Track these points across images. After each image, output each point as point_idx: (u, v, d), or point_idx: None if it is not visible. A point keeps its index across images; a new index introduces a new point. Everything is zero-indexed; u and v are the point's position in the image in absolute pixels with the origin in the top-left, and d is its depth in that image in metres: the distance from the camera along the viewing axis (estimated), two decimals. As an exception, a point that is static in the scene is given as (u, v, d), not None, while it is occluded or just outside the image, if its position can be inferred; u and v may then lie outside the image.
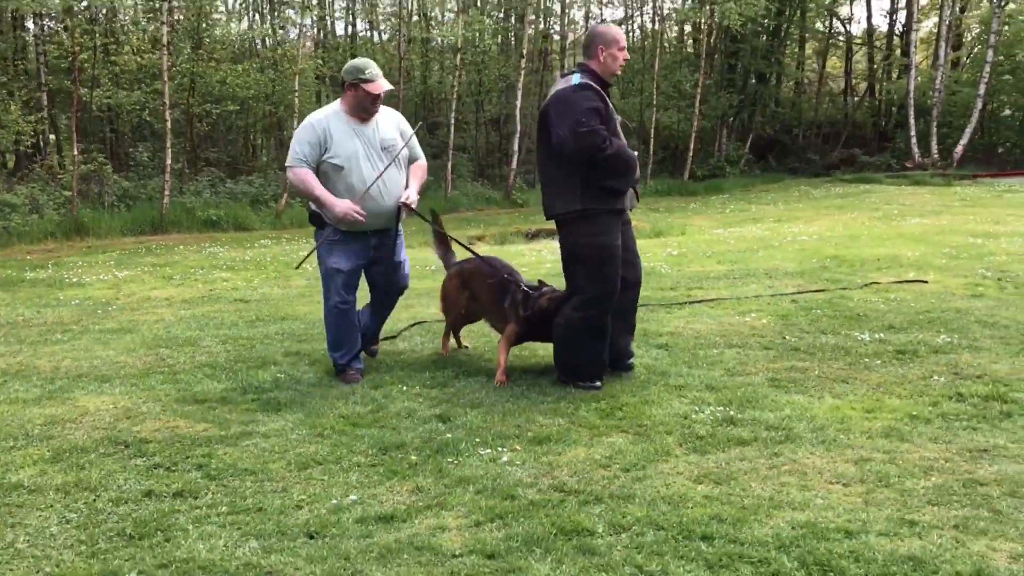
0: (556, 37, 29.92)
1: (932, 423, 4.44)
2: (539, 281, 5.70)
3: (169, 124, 17.33)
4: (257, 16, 27.52)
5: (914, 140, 28.74)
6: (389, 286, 5.79)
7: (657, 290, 8.61)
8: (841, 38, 37.04)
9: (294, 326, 7.23)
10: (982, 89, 28.53)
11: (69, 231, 15.16)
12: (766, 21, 29.02)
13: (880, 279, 8.67)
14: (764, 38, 30.95)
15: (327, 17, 27.73)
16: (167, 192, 16.91)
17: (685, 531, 3.27)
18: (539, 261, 10.96)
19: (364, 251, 5.47)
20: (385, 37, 28.87)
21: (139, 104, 19.14)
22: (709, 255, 10.85)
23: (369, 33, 29.28)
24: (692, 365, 5.67)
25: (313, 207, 5.42)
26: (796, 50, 35.81)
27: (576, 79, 5.16)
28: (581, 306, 5.19)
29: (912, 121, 28.88)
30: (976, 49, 34.18)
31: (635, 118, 28.21)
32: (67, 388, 5.41)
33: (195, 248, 13.82)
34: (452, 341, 6.37)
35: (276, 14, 25.75)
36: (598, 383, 5.24)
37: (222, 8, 25.76)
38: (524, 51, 23.21)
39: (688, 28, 32.42)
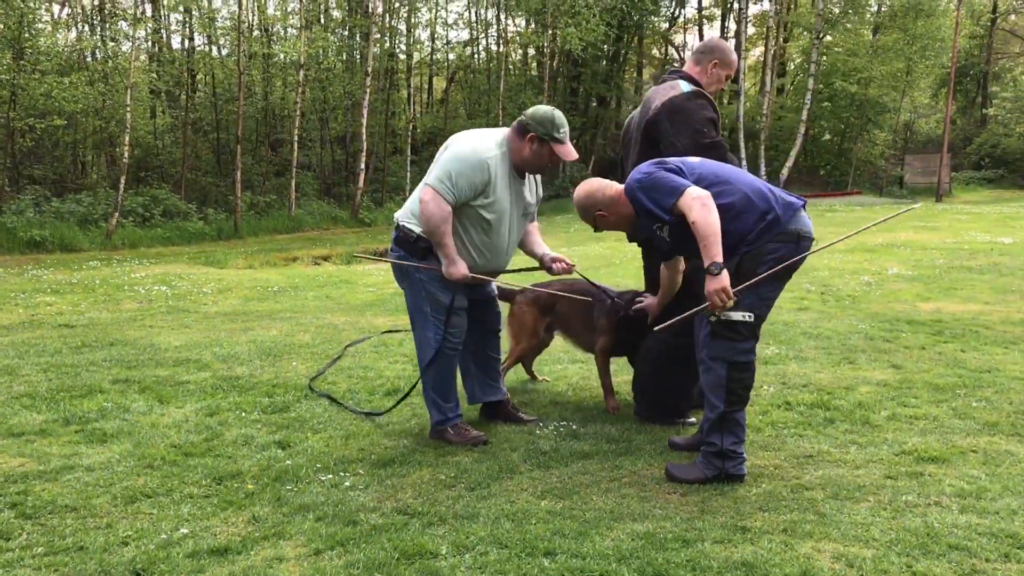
0: (402, 56, 29.89)
1: (763, 431, 4.63)
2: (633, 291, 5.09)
3: (-14, 139, 16.21)
4: (87, 27, 26.19)
5: (744, 162, 30.29)
6: (485, 326, 4.85)
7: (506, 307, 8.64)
8: (676, 64, 38.70)
9: (123, 352, 6.85)
10: (804, 115, 30.43)
11: None
12: (605, 47, 29.99)
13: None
14: (604, 63, 31.97)
15: (162, 30, 26.72)
16: (-16, 211, 15.79)
17: (528, 548, 3.26)
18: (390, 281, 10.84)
19: (470, 288, 4.60)
20: (224, 52, 28.04)
21: (-49, 117, 17.84)
22: (554, 273, 11.01)
23: (208, 47, 28.37)
24: (537, 380, 5.73)
25: (414, 228, 4.45)
26: (635, 75, 37.19)
27: (685, 86, 4.61)
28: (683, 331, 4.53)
29: (742, 144, 30.45)
30: (798, 77, 36.46)
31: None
32: None
33: (16, 271, 12.94)
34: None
35: (108, 26, 24.61)
36: (692, 419, 4.81)
37: (47, 17, 24.33)
38: (369, 69, 23.06)
39: (532, 51, 33.06)
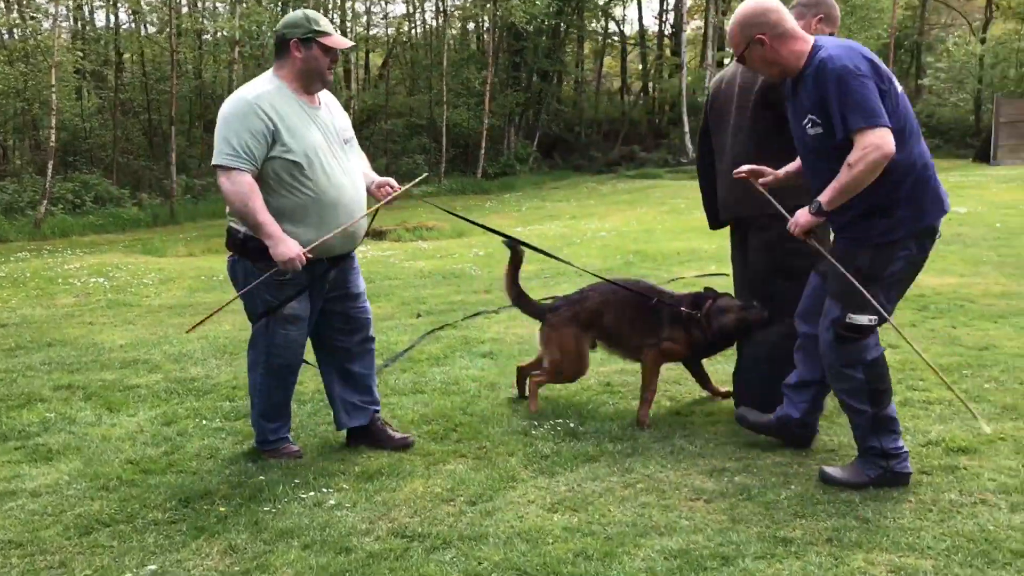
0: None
1: (772, 423, 4.32)
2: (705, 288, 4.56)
3: None
4: (3, 4, 24.84)
5: (688, 136, 30.17)
6: (354, 330, 4.18)
7: (471, 293, 8.27)
8: (616, 38, 38.45)
9: (63, 353, 6.28)
10: (747, 87, 30.30)
11: None
12: (547, 21, 29.52)
13: (684, 273, 8.76)
14: (545, 37, 31.50)
15: (84, 6, 25.53)
16: (-102, 201, 14.80)
17: (551, 573, 2.89)
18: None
19: (320, 287, 4.03)
20: (152, 29, 26.90)
21: None
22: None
23: (134, 25, 27.18)
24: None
25: (239, 226, 3.91)
26: (576, 49, 36.80)
27: None
28: (793, 331, 3.98)
29: (685, 118, 30.32)
30: (739, 50, 36.37)
31: (425, 115, 27.87)
32: None
33: (-63, 264, 12.10)
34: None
35: (26, 2, 23.38)
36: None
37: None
38: (307, 45, 22.27)
39: (472, 26, 32.46)
